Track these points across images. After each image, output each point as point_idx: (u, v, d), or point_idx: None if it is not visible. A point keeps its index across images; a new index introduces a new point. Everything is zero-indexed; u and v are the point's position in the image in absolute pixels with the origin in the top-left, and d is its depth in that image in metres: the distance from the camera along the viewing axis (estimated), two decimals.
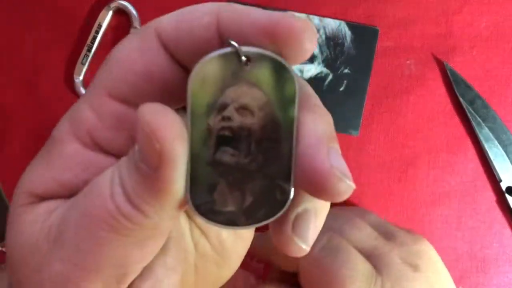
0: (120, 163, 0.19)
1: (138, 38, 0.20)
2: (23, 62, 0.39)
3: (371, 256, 0.31)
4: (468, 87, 0.39)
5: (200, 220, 0.18)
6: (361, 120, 0.39)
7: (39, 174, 0.21)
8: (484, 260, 0.39)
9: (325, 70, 0.39)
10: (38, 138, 0.38)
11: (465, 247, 0.39)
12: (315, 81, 0.39)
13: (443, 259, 0.32)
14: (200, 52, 0.18)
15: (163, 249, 0.22)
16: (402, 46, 0.39)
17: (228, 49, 0.17)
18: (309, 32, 0.17)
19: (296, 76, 0.18)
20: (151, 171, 0.17)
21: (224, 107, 0.18)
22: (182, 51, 0.19)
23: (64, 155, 0.21)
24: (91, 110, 0.20)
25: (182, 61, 0.19)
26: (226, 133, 0.18)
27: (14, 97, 0.39)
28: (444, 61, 0.39)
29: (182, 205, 0.18)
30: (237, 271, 0.36)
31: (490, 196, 0.40)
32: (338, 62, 0.39)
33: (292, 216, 0.19)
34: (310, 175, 0.17)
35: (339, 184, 0.17)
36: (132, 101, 0.20)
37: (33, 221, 0.21)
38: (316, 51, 0.39)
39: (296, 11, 0.39)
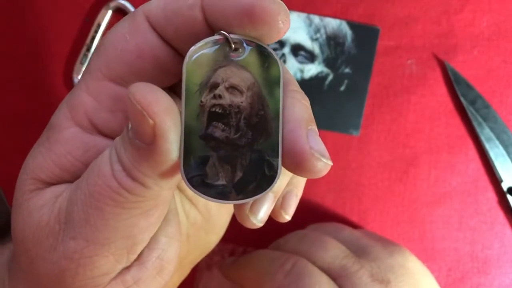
0: (115, 142, 0.20)
1: (128, 21, 0.21)
2: (21, 61, 0.39)
3: (339, 277, 0.30)
4: (469, 87, 0.39)
5: (192, 192, 0.20)
6: (362, 120, 0.39)
7: (41, 160, 0.22)
8: (485, 261, 0.39)
9: (325, 69, 0.39)
10: (37, 138, 0.38)
11: (466, 247, 0.39)
12: (316, 81, 0.39)
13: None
14: (186, 31, 0.20)
15: (165, 220, 0.23)
16: (403, 46, 0.39)
17: (219, 36, 0.19)
18: (283, 14, 0.19)
19: (280, 61, 0.20)
20: (145, 145, 0.18)
21: (215, 86, 0.20)
22: (170, 31, 0.20)
23: (64, 139, 0.22)
24: (88, 94, 0.21)
25: (170, 40, 0.20)
26: (217, 109, 0.19)
27: (12, 97, 0.39)
28: (445, 60, 0.39)
29: (177, 174, 0.20)
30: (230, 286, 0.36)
31: (491, 196, 0.39)
32: (339, 61, 0.39)
33: None
34: (292, 157, 0.19)
35: (318, 163, 0.19)
36: (127, 80, 0.21)
37: (41, 205, 0.22)
38: (317, 50, 0.39)
39: (296, 10, 0.39)
